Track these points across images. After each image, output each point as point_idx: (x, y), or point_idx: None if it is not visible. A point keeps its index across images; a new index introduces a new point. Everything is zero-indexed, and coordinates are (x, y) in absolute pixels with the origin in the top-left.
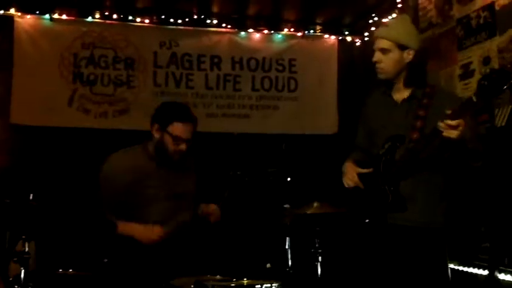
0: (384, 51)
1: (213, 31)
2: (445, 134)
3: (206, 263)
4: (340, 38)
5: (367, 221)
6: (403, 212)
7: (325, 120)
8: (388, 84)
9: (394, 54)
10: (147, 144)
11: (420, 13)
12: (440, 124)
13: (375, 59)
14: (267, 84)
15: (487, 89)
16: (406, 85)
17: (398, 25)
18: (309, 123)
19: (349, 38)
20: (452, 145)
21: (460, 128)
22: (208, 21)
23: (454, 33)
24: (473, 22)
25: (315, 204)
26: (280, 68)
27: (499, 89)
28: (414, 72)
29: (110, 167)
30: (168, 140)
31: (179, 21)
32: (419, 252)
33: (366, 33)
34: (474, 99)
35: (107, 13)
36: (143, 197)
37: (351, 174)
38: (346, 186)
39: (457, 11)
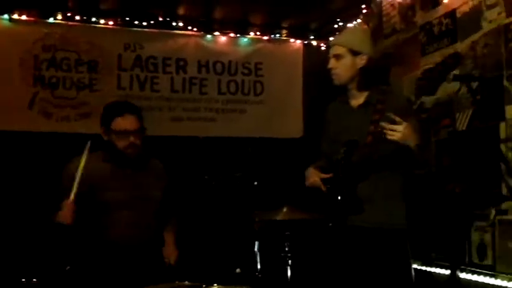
0: (338, 57)
1: (179, 34)
2: (387, 135)
3: (174, 269)
4: (305, 42)
5: (330, 224)
6: (360, 213)
7: (291, 123)
8: (344, 91)
9: (347, 59)
10: (105, 149)
11: (384, 19)
12: (383, 125)
13: (329, 65)
14: (233, 88)
15: (425, 89)
16: (359, 89)
17: (351, 33)
18: (275, 127)
19: (314, 43)
20: (398, 148)
21: (401, 128)
22: (174, 23)
23: (417, 39)
24: (436, 29)
25: (284, 210)
26: (247, 71)
27: (433, 87)
28: (367, 77)
29: (73, 166)
30: (114, 138)
31: (144, 23)
32: (382, 253)
33: (331, 38)
34: (412, 98)
35: (69, 14)
36: (104, 201)
37: (313, 179)
38: (309, 187)
39: (420, 18)
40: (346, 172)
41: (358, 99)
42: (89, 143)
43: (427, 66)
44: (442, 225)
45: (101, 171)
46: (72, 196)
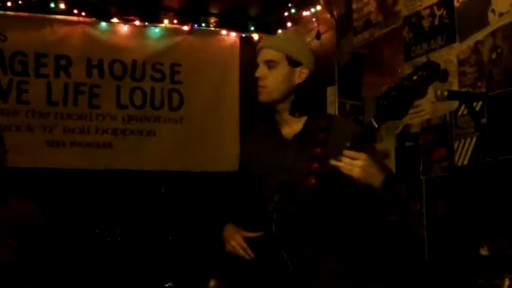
0: (270, 64)
1: (60, 20)
2: (344, 171)
3: None
4: (243, 35)
5: None
6: (311, 282)
7: (222, 151)
8: (272, 114)
9: (283, 69)
10: None
11: (355, 6)
12: (338, 159)
13: (257, 74)
14: (138, 99)
15: (387, 110)
16: (293, 113)
17: (289, 37)
18: (198, 156)
19: (256, 36)
20: (357, 188)
21: (361, 162)
22: (52, 5)
23: (401, 36)
24: (426, 22)
25: (212, 284)
26: (158, 76)
27: (402, 110)
28: (303, 98)
29: None
30: None
31: (8, 3)
32: None
33: (280, 30)
34: (375, 124)
35: None
36: None
37: (235, 240)
38: (230, 253)
39: (404, 7)
40: (282, 228)
41: (292, 127)
42: None
43: (392, 83)
44: None
45: None
46: None
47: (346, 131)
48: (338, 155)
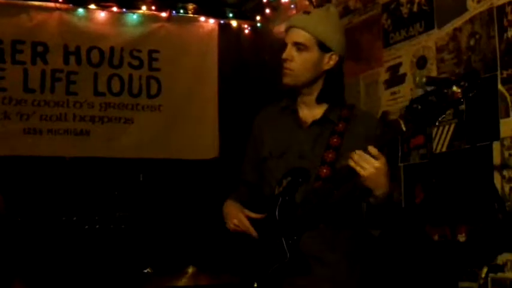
0: (300, 47)
1: (36, 6)
2: (352, 164)
3: None
4: (222, 22)
5: (255, 286)
6: (306, 275)
7: (200, 139)
8: (293, 96)
9: (313, 54)
10: None
11: None
12: (356, 152)
13: (285, 55)
14: (116, 87)
15: (421, 116)
16: (319, 100)
17: (323, 18)
18: (177, 144)
19: (234, 23)
20: (359, 188)
21: (378, 164)
22: None
23: (379, 23)
24: (404, 9)
25: (190, 270)
26: (136, 63)
27: (434, 118)
28: (332, 85)
29: None
30: None
31: None
32: None
33: (258, 17)
34: (403, 127)
35: None
36: None
37: (237, 219)
38: (232, 230)
39: None
40: (286, 214)
41: (313, 112)
42: None
43: (392, 62)
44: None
45: None
46: None
47: (368, 125)
48: (354, 149)
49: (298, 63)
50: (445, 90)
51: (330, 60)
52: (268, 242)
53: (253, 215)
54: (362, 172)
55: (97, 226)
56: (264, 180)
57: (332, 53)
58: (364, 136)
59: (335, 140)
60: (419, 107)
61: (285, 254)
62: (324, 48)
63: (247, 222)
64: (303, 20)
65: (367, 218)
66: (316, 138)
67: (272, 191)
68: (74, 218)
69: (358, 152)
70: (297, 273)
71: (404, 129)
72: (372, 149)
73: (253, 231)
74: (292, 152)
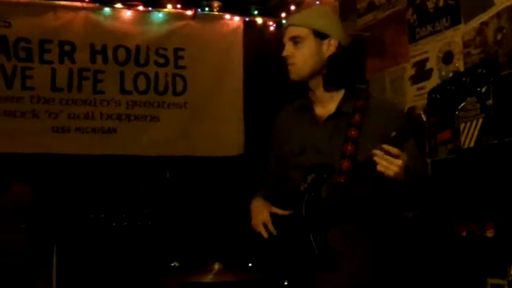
0: (296, 40)
1: (63, 6)
2: (379, 168)
3: None
4: (247, 19)
5: (286, 283)
6: (334, 270)
7: (226, 136)
8: (305, 92)
9: (310, 44)
10: None
11: None
12: (376, 152)
13: (284, 53)
14: (142, 85)
15: (441, 105)
16: (327, 88)
17: (315, 11)
18: (203, 141)
19: (259, 20)
20: (388, 184)
21: (401, 162)
22: None
23: (404, 18)
24: (430, 4)
25: (216, 267)
26: (162, 61)
27: (454, 107)
28: (337, 70)
29: None
30: None
31: None
32: None
33: (283, 14)
34: (424, 117)
35: None
36: None
37: (263, 215)
38: (257, 231)
39: None
40: (313, 210)
41: (326, 106)
42: None
43: (419, 58)
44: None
45: None
46: None
47: (385, 114)
48: (374, 139)
49: (298, 57)
50: (464, 79)
51: (329, 46)
52: (296, 239)
53: (280, 211)
54: (388, 173)
55: (124, 223)
56: (287, 178)
57: (329, 38)
58: (384, 126)
59: (353, 132)
60: (438, 96)
61: (313, 250)
62: (320, 35)
63: (268, 219)
64: (296, 17)
65: (396, 202)
66: (332, 132)
67: (296, 188)
68: (102, 215)
69: (379, 154)
70: (326, 269)
71: (424, 119)
72: (392, 149)
73: (271, 229)
74: (310, 148)
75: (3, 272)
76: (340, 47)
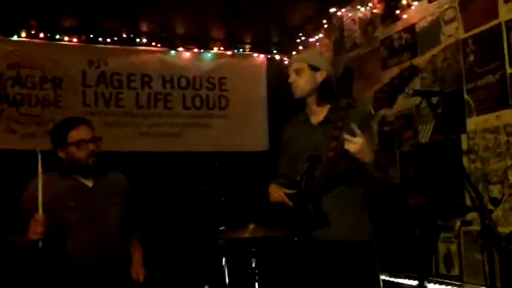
0: (298, 72)
1: (143, 50)
2: (346, 144)
3: (143, 287)
4: (269, 56)
5: (296, 239)
6: (327, 227)
7: (255, 137)
8: (303, 107)
9: (307, 74)
10: (62, 167)
11: (346, 33)
12: (345, 136)
13: (290, 80)
14: (198, 103)
15: (381, 102)
16: (319, 104)
17: (309, 51)
18: (238, 141)
19: (277, 57)
20: (355, 160)
21: (359, 139)
22: (137, 40)
23: (378, 53)
24: (396, 43)
25: (251, 227)
26: (211, 86)
27: (391, 102)
28: (326, 91)
29: (31, 188)
30: (74, 150)
31: (108, 39)
32: (349, 266)
33: (294, 52)
34: (372, 111)
35: (33, 32)
36: (63, 221)
37: (277, 194)
38: (273, 203)
39: (380, 33)
40: (309, 187)
41: (318, 116)
42: (39, 156)
43: (386, 80)
44: (408, 237)
45: (59, 191)
46: (40, 210)
47: (358, 117)
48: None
49: (299, 82)
50: (394, 81)
51: (320, 76)
52: (300, 208)
53: (288, 191)
54: (351, 149)
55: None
56: (295, 171)
57: (321, 70)
58: (357, 122)
59: (336, 133)
60: (381, 95)
61: (311, 213)
62: (314, 68)
63: (284, 197)
64: (297, 56)
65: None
66: (324, 134)
67: (299, 173)
68: (203, 187)
69: (346, 136)
70: (321, 226)
71: (373, 113)
72: (356, 130)
73: (288, 201)
74: (311, 147)
75: None
76: (328, 75)
